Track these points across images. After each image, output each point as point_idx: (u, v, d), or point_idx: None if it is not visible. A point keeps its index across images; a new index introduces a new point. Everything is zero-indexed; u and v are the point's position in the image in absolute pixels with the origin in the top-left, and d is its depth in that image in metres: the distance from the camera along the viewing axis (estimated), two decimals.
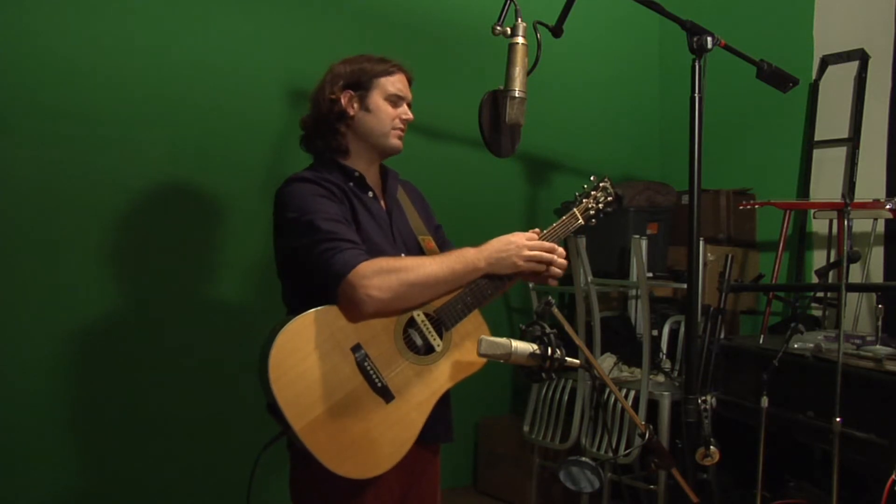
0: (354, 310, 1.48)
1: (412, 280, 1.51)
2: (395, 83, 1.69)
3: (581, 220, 1.77)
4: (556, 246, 1.67)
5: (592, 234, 2.94)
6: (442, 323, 1.59)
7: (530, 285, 3.23)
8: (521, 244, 1.62)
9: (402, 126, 1.70)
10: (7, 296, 2.32)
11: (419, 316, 1.58)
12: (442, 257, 1.60)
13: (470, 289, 1.62)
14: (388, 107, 1.68)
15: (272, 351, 1.40)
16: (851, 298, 3.01)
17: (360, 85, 1.67)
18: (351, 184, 1.66)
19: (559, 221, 1.74)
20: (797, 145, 3.46)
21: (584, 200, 1.79)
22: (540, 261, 1.64)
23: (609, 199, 1.79)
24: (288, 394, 1.40)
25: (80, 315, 2.43)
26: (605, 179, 1.81)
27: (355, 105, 1.67)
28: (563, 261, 1.68)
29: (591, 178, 1.81)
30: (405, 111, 1.70)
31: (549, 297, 1.52)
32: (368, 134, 1.68)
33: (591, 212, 1.78)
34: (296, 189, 1.58)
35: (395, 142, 1.70)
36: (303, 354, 1.43)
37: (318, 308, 1.47)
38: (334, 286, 1.47)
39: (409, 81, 1.74)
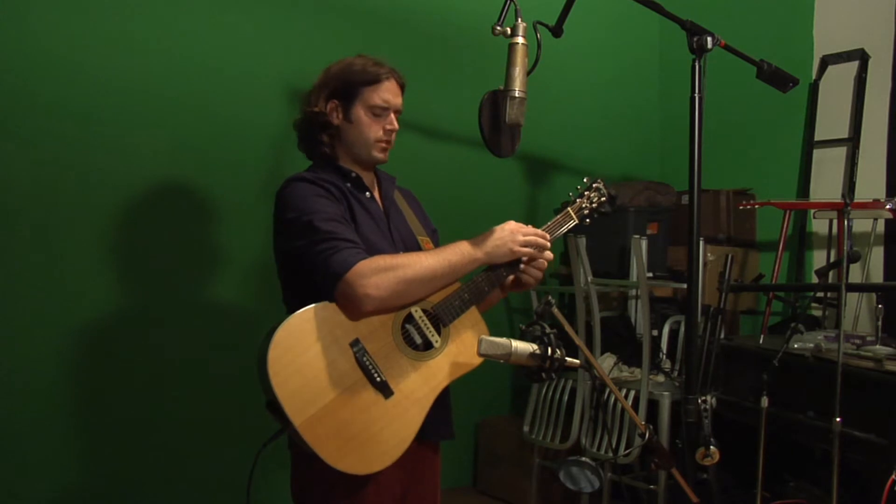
0: (353, 308, 1.49)
1: (410, 276, 1.51)
2: (381, 93, 1.66)
3: (575, 220, 1.78)
4: (547, 234, 1.68)
5: (592, 234, 2.94)
6: (440, 319, 1.59)
7: None
8: (514, 229, 1.64)
9: (385, 139, 1.69)
10: (7, 296, 2.32)
11: (417, 312, 1.58)
12: (438, 251, 1.60)
13: (467, 285, 1.63)
14: (370, 120, 1.66)
15: (271, 347, 1.40)
16: (851, 298, 3.01)
17: (345, 95, 1.66)
18: (348, 184, 1.67)
19: (553, 220, 1.75)
20: (797, 145, 3.46)
21: (577, 200, 1.80)
22: (535, 245, 1.65)
23: (602, 199, 1.81)
24: (287, 389, 1.40)
25: (79, 315, 2.43)
26: (599, 180, 1.82)
27: (339, 115, 1.68)
28: (550, 253, 1.69)
29: (585, 180, 1.83)
30: (390, 122, 1.69)
31: (549, 297, 1.52)
32: (351, 145, 1.69)
33: (585, 211, 1.80)
34: (294, 189, 1.59)
35: (377, 155, 1.69)
36: (301, 350, 1.43)
37: (316, 304, 1.48)
38: (332, 285, 1.47)
39: (402, 87, 1.72)
